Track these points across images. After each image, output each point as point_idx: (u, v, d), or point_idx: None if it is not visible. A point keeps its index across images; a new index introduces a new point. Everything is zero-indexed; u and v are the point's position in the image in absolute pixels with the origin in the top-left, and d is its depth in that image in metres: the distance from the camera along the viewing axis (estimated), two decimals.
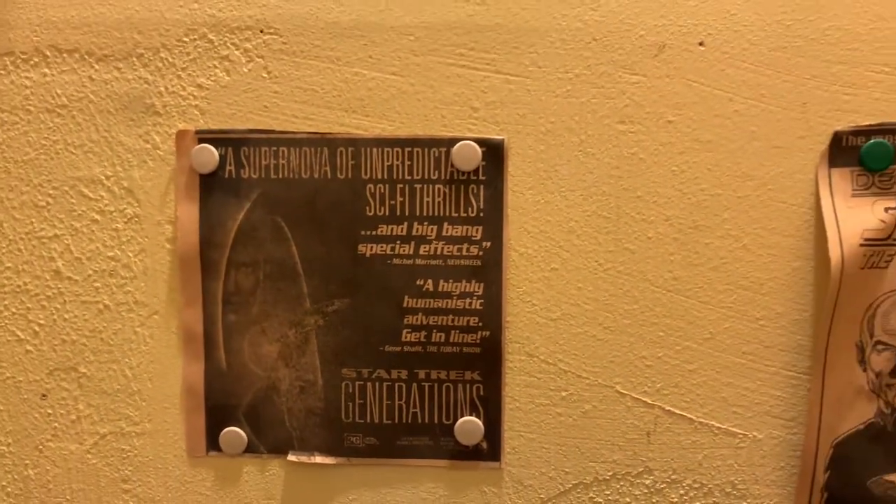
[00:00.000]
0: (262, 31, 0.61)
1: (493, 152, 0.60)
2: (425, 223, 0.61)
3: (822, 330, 0.59)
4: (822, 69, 0.58)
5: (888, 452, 0.60)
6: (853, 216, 0.58)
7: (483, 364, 0.62)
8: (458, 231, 0.61)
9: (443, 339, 0.62)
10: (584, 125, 0.60)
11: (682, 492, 0.62)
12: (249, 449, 0.64)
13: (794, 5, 0.58)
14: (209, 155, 0.61)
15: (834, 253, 0.58)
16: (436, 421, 0.63)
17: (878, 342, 0.59)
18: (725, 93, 0.59)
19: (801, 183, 0.59)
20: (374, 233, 0.61)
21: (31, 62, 0.61)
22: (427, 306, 0.61)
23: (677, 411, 0.61)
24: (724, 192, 0.59)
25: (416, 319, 0.62)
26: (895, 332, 0.58)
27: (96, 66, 0.62)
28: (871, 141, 0.57)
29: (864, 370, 0.59)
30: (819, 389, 0.59)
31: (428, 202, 0.61)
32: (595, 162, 0.60)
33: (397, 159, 0.61)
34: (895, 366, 0.59)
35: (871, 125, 0.58)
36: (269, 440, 0.64)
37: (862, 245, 0.58)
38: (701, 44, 0.58)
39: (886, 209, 0.58)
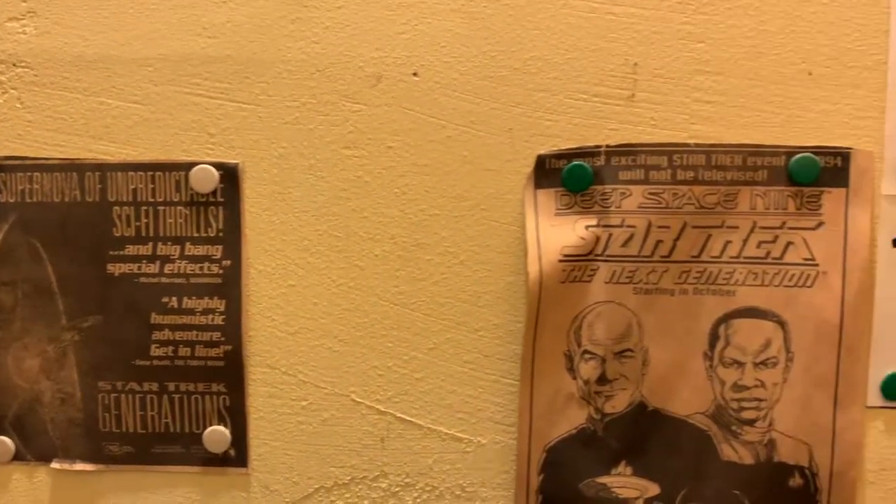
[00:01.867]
0: (14, 65, 0.65)
1: (230, 175, 0.64)
2: (169, 243, 0.65)
3: (528, 341, 0.62)
4: (525, 97, 0.62)
5: (599, 456, 0.63)
6: (555, 234, 0.62)
7: (228, 376, 0.66)
8: (200, 250, 0.65)
9: (189, 354, 0.65)
10: (312, 150, 0.64)
11: (415, 495, 0.66)
12: (17, 457, 0.68)
13: (499, 38, 0.61)
14: None
15: (532, 268, 0.61)
16: (186, 430, 0.66)
17: (585, 351, 0.62)
18: (439, 120, 0.62)
19: (510, 203, 0.63)
20: (121, 253, 0.65)
21: None
22: (173, 322, 0.65)
23: (408, 418, 0.65)
24: (442, 213, 0.63)
25: (164, 335, 0.65)
26: (600, 342, 0.62)
27: None
28: (572, 164, 0.61)
29: (574, 378, 0.63)
30: (528, 397, 0.63)
31: (171, 223, 0.65)
32: (325, 185, 0.64)
33: (141, 183, 0.65)
34: (601, 374, 0.62)
35: (571, 149, 0.62)
36: (35, 449, 0.68)
37: (561, 261, 0.61)
38: (415, 74, 0.62)
39: (587, 227, 0.62)
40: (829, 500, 0.62)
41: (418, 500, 0.66)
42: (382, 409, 0.65)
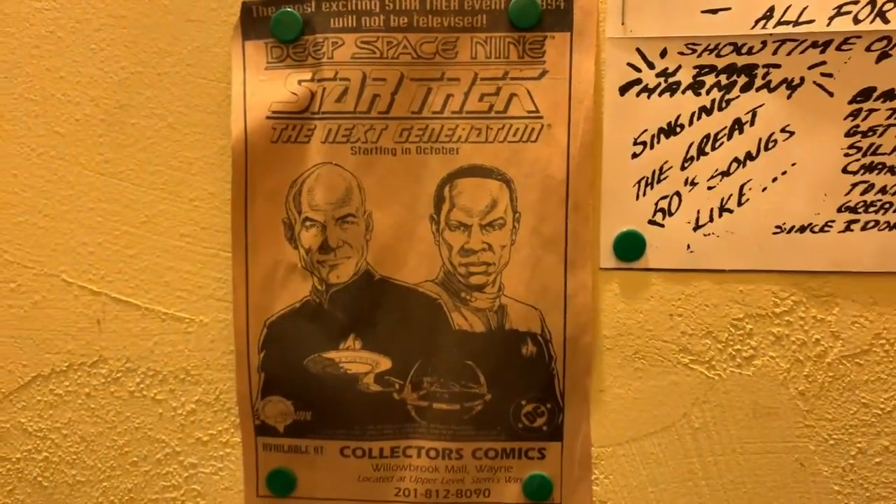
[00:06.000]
0: None
1: None
2: None
3: (238, 208, 0.58)
4: None
5: (325, 330, 0.59)
6: (264, 89, 0.57)
7: None
8: None
9: None
10: None
11: (138, 380, 0.61)
12: None
13: None
14: None
15: (236, 126, 0.57)
16: None
17: (306, 219, 0.58)
18: None
19: (218, 57, 0.57)
20: None
21: None
22: None
23: (123, 298, 0.60)
24: (145, 70, 0.58)
25: None
26: (320, 207, 0.58)
27: None
28: (280, 10, 0.56)
29: (296, 248, 0.59)
30: (243, 269, 0.59)
31: None
32: (15, 42, 0.58)
33: None
34: (323, 241, 0.58)
35: None
36: None
37: (269, 118, 0.57)
38: None
39: (300, 82, 0.57)
40: (565, 367, 0.59)
41: (141, 386, 0.61)
42: (96, 290, 0.60)
